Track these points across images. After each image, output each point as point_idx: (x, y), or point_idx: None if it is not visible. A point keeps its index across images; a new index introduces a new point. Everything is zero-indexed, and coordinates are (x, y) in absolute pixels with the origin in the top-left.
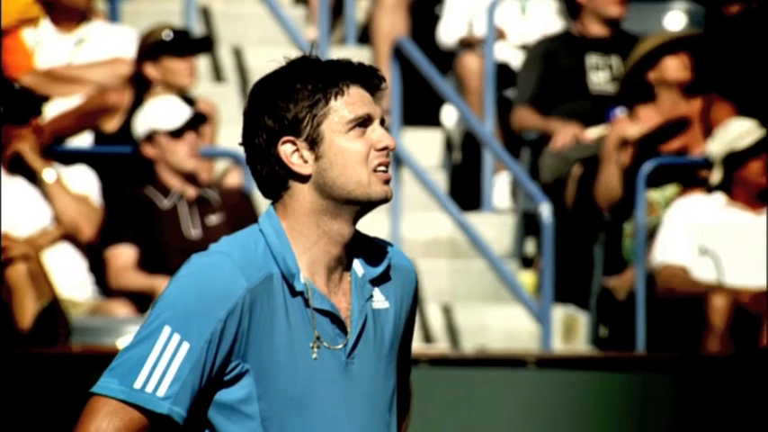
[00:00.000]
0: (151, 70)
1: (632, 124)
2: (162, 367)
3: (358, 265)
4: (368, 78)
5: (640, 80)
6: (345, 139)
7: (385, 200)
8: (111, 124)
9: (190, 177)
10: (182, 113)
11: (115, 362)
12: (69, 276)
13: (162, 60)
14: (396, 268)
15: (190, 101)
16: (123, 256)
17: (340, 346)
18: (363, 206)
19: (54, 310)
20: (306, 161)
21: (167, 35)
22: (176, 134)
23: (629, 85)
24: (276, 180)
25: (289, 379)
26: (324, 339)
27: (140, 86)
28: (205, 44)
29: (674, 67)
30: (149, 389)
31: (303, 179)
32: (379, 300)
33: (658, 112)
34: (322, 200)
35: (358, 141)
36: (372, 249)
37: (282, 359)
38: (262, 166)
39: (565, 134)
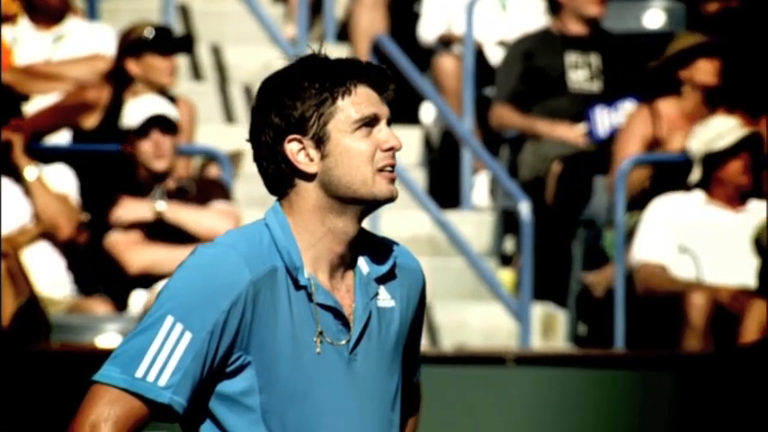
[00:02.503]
0: (133, 66)
1: (651, 117)
2: (164, 357)
3: (363, 264)
4: (376, 78)
5: (667, 75)
6: (351, 139)
7: (390, 199)
8: (90, 121)
9: (160, 177)
10: (145, 112)
11: (117, 350)
12: (48, 274)
13: (144, 57)
14: (402, 268)
15: (172, 99)
16: (127, 236)
17: (343, 342)
18: (369, 205)
19: (33, 308)
20: (312, 159)
21: (150, 32)
22: (140, 133)
23: (656, 76)
24: (282, 177)
25: (291, 372)
26: (327, 335)
27: (120, 83)
28: (187, 43)
29: (706, 71)
30: (151, 378)
31: (309, 177)
32: (385, 298)
33: (680, 109)
34: (327, 198)
35: (364, 141)
36: (378, 248)
37: (285, 352)
38: (268, 164)
39: (569, 132)
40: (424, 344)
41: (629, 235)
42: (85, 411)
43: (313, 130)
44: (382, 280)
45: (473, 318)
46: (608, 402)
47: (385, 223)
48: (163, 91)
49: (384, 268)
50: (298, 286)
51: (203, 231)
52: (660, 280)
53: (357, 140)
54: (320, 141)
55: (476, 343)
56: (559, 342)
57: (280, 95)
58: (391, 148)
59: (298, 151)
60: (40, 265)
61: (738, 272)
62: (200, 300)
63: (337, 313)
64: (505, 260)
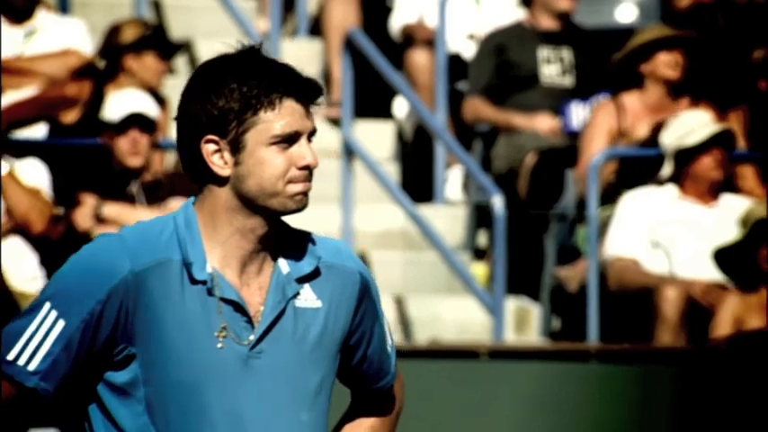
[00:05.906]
0: (133, 63)
1: (617, 111)
2: (36, 342)
3: (284, 263)
4: (304, 92)
5: (631, 69)
6: (267, 152)
7: (299, 210)
8: (71, 116)
9: (134, 173)
10: (126, 108)
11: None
12: (21, 269)
13: (144, 56)
14: (333, 268)
15: (159, 99)
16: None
17: (246, 341)
18: (279, 213)
19: (7, 303)
20: (226, 163)
21: (147, 32)
22: (119, 129)
23: (619, 71)
24: (196, 172)
25: (178, 366)
26: (229, 330)
27: (102, 77)
28: (176, 51)
29: (667, 64)
30: (21, 362)
31: (221, 180)
32: (308, 298)
33: (643, 102)
34: (237, 200)
35: (279, 156)
36: (304, 247)
37: (173, 346)
38: (186, 154)
39: (546, 123)
40: (399, 338)
41: (602, 229)
42: None
43: (231, 135)
44: (306, 279)
45: (446, 312)
46: (581, 396)
47: (358, 217)
48: (152, 90)
49: (306, 268)
50: (194, 280)
51: None
52: (633, 274)
53: (273, 154)
54: (236, 147)
55: (449, 337)
56: (533, 336)
57: (206, 88)
58: (306, 166)
59: (213, 152)
60: (12, 260)
61: (711, 266)
62: (78, 289)
63: (240, 309)
64: (479, 254)
